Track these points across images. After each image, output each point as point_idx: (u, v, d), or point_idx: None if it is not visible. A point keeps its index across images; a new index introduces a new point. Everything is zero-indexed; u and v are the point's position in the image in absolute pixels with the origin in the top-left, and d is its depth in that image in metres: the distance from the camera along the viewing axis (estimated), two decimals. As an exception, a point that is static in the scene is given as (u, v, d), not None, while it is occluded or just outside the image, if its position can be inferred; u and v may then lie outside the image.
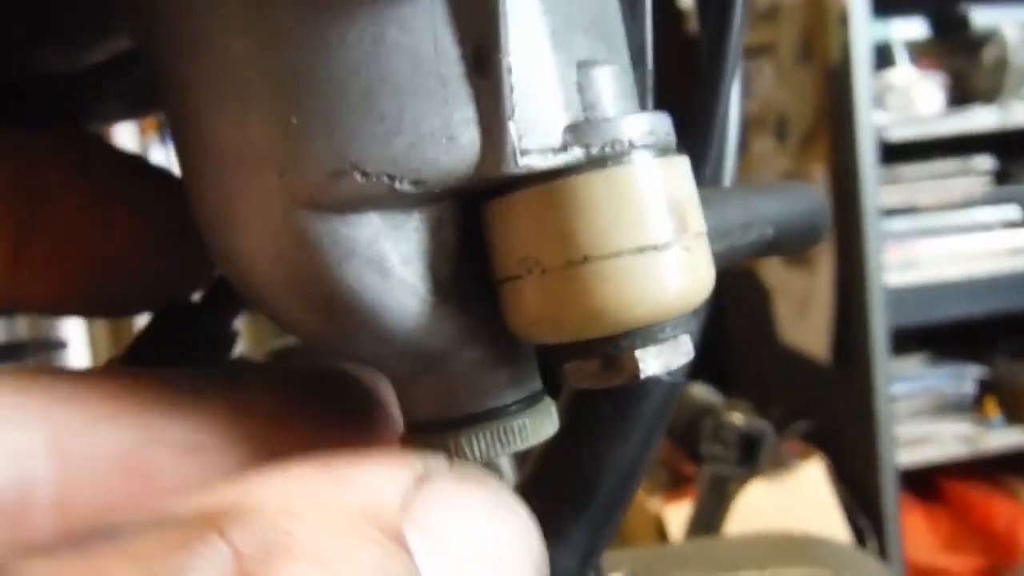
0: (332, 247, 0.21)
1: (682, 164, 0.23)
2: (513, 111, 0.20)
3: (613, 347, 0.22)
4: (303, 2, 0.20)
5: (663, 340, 0.23)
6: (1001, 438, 2.22)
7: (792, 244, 0.30)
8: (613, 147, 0.21)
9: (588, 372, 0.23)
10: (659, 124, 0.22)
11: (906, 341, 2.24)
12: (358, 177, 0.20)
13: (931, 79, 2.22)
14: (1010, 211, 2.17)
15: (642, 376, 0.22)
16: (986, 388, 2.29)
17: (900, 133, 2.15)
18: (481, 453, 0.25)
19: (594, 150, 0.21)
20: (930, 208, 2.21)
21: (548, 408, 0.26)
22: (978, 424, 2.26)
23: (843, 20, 1.99)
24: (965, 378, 2.29)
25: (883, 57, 2.23)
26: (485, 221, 0.23)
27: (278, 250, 0.22)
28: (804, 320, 2.38)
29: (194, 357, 0.35)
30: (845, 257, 2.15)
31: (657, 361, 0.22)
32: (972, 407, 2.30)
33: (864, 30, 2.00)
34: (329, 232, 0.21)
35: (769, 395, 2.33)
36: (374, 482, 0.18)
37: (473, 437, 0.25)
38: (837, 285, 2.22)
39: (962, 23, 2.21)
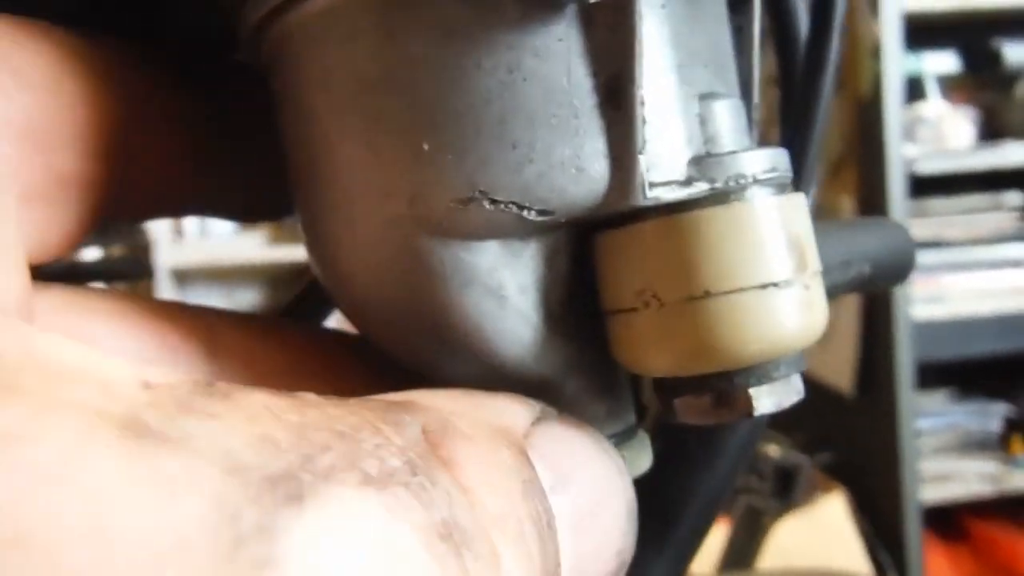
0: (454, 274, 0.21)
1: (800, 202, 0.22)
2: (644, 144, 0.20)
3: (727, 383, 0.22)
4: (439, 30, 0.20)
5: (776, 378, 0.22)
6: (1027, 477, 2.19)
7: (885, 281, 0.30)
8: (737, 182, 0.21)
9: (699, 408, 0.23)
10: (779, 160, 0.22)
11: (931, 376, 2.22)
12: (487, 205, 0.20)
13: (962, 113, 2.22)
14: (1040, 248, 2.15)
15: (755, 414, 0.22)
16: (1013, 426, 2.26)
17: (930, 166, 2.14)
18: (581, 484, 0.24)
19: (718, 185, 0.21)
20: (958, 243, 2.19)
21: (644, 442, 0.26)
22: (1004, 463, 2.23)
23: (875, 52, 1.99)
24: (991, 416, 2.26)
25: (914, 90, 2.22)
26: (597, 252, 0.23)
27: (399, 275, 0.22)
28: (828, 351, 2.36)
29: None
30: (872, 289, 2.13)
31: (770, 399, 0.22)
32: (998, 445, 2.27)
33: (896, 63, 1.99)
34: (452, 259, 0.21)
35: (790, 426, 2.31)
36: (504, 409, 0.21)
37: (573, 468, 0.24)
38: (863, 317, 2.21)
39: (994, 58, 2.21)
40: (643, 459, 0.26)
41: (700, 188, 0.21)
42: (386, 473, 0.15)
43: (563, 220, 0.21)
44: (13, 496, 0.11)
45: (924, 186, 2.14)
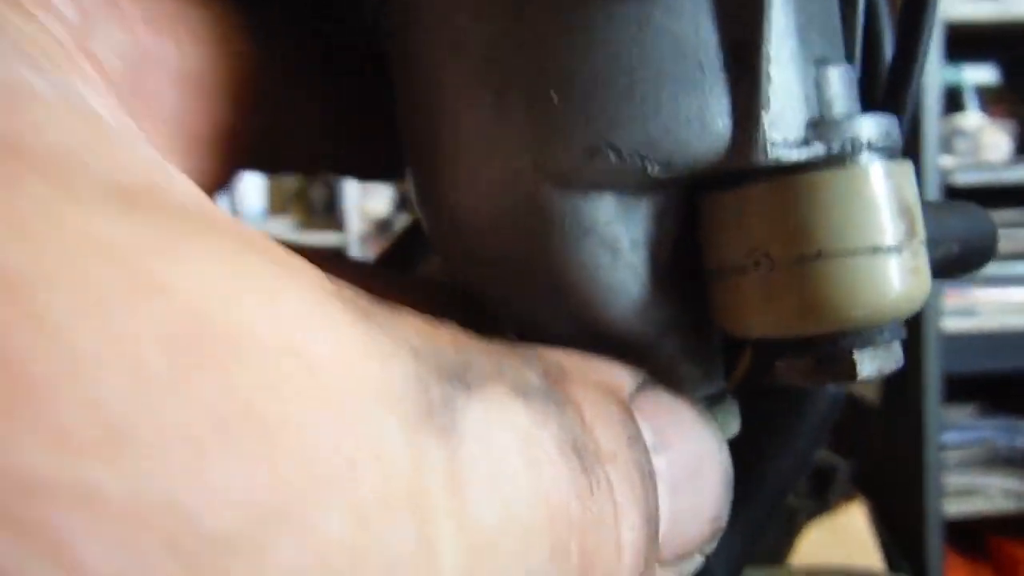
0: (573, 225, 0.22)
1: (909, 170, 0.23)
2: (768, 102, 0.21)
3: (831, 346, 0.23)
4: (571, -13, 0.20)
5: (879, 344, 0.23)
6: (1052, 496, 2.16)
7: (969, 263, 0.30)
8: (852, 146, 0.22)
9: (801, 369, 0.23)
10: (892, 127, 0.23)
11: (959, 389, 2.20)
12: (612, 157, 0.21)
13: (1000, 126, 2.19)
14: (1075, 265, 2.12)
15: (858, 378, 0.23)
16: (1040, 444, 2.24)
17: (966, 178, 2.12)
18: (673, 443, 0.25)
19: (834, 147, 0.22)
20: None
21: (734, 407, 0.27)
22: (1029, 480, 2.21)
23: (916, 61, 1.97)
24: (1018, 432, 2.24)
25: (952, 101, 2.20)
26: (706, 212, 0.23)
27: (518, 226, 0.22)
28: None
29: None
30: (902, 299, 2.12)
31: (872, 364, 0.23)
32: None
33: (934, 73, 1.98)
34: (572, 210, 0.22)
35: (814, 433, 2.29)
36: (612, 369, 0.22)
37: (667, 427, 0.25)
38: (892, 327, 2.19)
39: (1035, 72, 2.19)
40: (733, 423, 0.26)
41: (817, 150, 0.22)
42: (528, 389, 0.17)
43: (682, 175, 0.22)
44: (269, 342, 0.12)
45: (959, 198, 2.12)
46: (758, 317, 0.23)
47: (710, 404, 0.26)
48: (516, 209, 0.22)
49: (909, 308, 0.22)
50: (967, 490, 2.20)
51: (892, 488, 2.17)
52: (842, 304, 0.22)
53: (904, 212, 0.22)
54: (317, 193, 3.00)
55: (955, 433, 2.21)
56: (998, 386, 2.21)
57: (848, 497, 1.93)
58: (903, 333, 0.23)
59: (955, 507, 2.14)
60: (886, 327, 0.23)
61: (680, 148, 0.21)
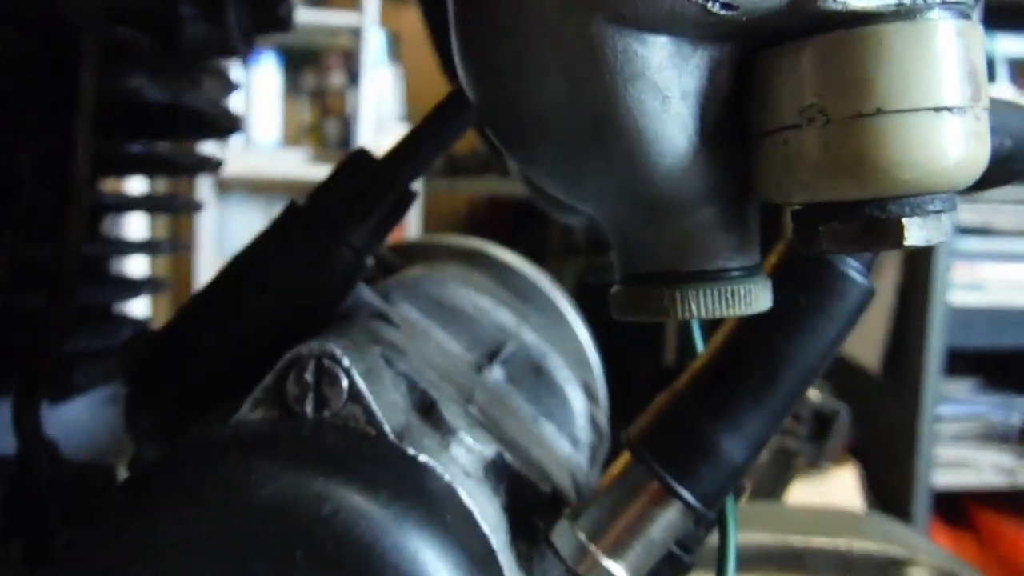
0: (625, 64, 0.21)
1: (979, 33, 0.22)
2: (842, -58, 0.20)
3: (880, 210, 0.22)
4: None
5: (930, 212, 0.22)
6: (1042, 475, 2.17)
7: (1018, 163, 0.29)
8: (925, 1, 0.21)
9: (847, 235, 0.23)
10: (965, -13, 0.22)
11: (960, 363, 2.20)
12: (674, -9, 0.20)
13: (1030, 100, 2.15)
14: (1090, 247, 2.10)
15: (905, 243, 0.22)
16: (1034, 411, 2.25)
17: (990, 151, 2.09)
18: (706, 309, 0.25)
19: (906, 0, 0.21)
20: (1005, 232, 2.15)
21: (766, 283, 0.26)
22: (1020, 457, 2.22)
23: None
24: (1014, 409, 2.24)
25: (983, 72, 2.16)
26: (761, 70, 0.23)
27: (568, 64, 0.22)
28: (859, 327, 2.33)
29: (373, 210, 0.35)
30: (911, 268, 2.11)
31: (921, 232, 0.22)
32: (1017, 440, 2.25)
33: (969, 41, 1.94)
34: (625, 48, 0.21)
35: (812, 397, 2.30)
36: None
37: (700, 292, 0.25)
38: (898, 295, 2.18)
39: (1072, 47, 2.14)
40: (764, 298, 0.26)
41: (887, 1, 0.21)
42: None
43: (744, 19, 0.21)
44: None
45: (981, 170, 2.09)
46: (809, 177, 0.22)
47: (745, 275, 0.25)
48: (569, 44, 0.21)
49: (966, 175, 0.22)
50: (958, 462, 2.21)
51: (885, 456, 2.18)
52: (898, 164, 0.21)
53: (971, 74, 0.21)
54: (331, 127, 2.97)
55: (952, 406, 2.21)
56: (999, 362, 2.21)
57: (847, 444, 1.94)
58: (955, 206, 0.23)
59: (944, 478, 2.15)
60: (938, 196, 0.22)
61: None
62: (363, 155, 0.36)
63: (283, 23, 0.43)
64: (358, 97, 2.73)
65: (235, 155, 2.82)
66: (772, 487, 0.99)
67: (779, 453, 1.01)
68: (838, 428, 0.99)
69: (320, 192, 0.35)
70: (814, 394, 1.01)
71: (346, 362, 0.28)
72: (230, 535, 0.25)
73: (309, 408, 0.28)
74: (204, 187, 2.74)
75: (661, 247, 0.25)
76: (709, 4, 0.20)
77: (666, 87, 0.22)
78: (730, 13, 0.20)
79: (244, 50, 0.44)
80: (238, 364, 0.34)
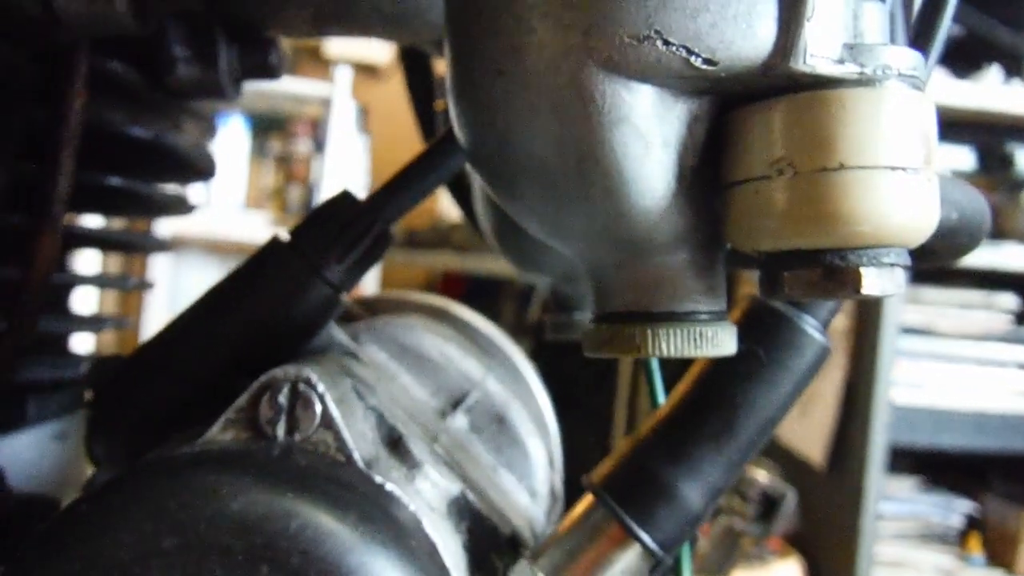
0: (612, 108, 0.23)
1: (931, 104, 0.24)
2: (812, 13, 0.22)
3: (840, 259, 0.24)
4: None
5: (885, 264, 0.24)
6: (980, 577, 2.20)
7: (963, 236, 0.31)
8: (883, 71, 0.23)
9: (808, 281, 0.24)
10: (919, 62, 0.24)
11: (901, 461, 2.23)
12: (659, 44, 0.22)
13: (969, 211, 2.26)
14: (1026, 353, 2.18)
15: (863, 291, 0.24)
16: (972, 524, 2.28)
17: (931, 256, 2.17)
18: (674, 348, 0.26)
19: (866, 70, 0.23)
20: (948, 335, 2.22)
21: (731, 328, 0.28)
22: (959, 559, 2.24)
23: (896, 137, 2.03)
24: (953, 510, 2.27)
25: (926, 181, 2.27)
26: (735, 124, 0.25)
27: (558, 105, 0.23)
28: (804, 422, 2.37)
29: (352, 249, 0.36)
30: (856, 365, 2.16)
31: (877, 282, 0.24)
32: (956, 541, 2.28)
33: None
34: (613, 94, 0.23)
35: (758, 487, 2.31)
36: None
37: (670, 332, 0.26)
38: (843, 392, 2.23)
39: (1007, 161, 2.27)
40: (729, 341, 0.27)
41: (850, 69, 0.23)
42: None
43: (722, 75, 0.23)
44: None
45: (923, 275, 2.18)
46: (777, 225, 0.24)
47: (712, 319, 0.27)
48: (560, 88, 0.23)
49: (918, 230, 0.24)
50: (898, 562, 2.22)
51: (828, 551, 2.19)
52: (857, 216, 0.23)
53: (923, 139, 0.23)
54: (295, 192, 2.99)
55: (894, 504, 2.24)
56: (940, 462, 2.25)
57: (791, 529, 1.94)
58: (908, 262, 0.24)
59: (886, 576, 2.16)
60: (893, 249, 0.24)
61: (725, 45, 0.22)
62: (347, 195, 0.37)
63: (273, 71, 0.45)
64: (323, 165, 2.76)
65: (195, 216, 2.80)
66: (719, 565, 0.99)
67: (726, 533, 1.01)
68: (785, 510, 1.00)
69: (302, 227, 0.36)
70: (762, 476, 1.03)
71: (321, 388, 0.29)
72: (193, 549, 0.25)
73: (280, 431, 0.29)
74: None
75: (635, 288, 0.26)
76: (692, 58, 0.22)
77: (648, 133, 0.23)
78: (710, 68, 0.22)
79: (232, 95, 0.45)
80: (205, 392, 0.34)
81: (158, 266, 2.51)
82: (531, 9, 0.23)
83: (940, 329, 2.31)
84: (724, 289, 0.28)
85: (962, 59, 2.17)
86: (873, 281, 0.24)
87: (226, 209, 2.85)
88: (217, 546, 0.25)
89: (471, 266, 2.91)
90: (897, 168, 0.23)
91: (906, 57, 0.24)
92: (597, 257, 0.27)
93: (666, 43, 0.22)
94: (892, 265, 0.24)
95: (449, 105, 0.27)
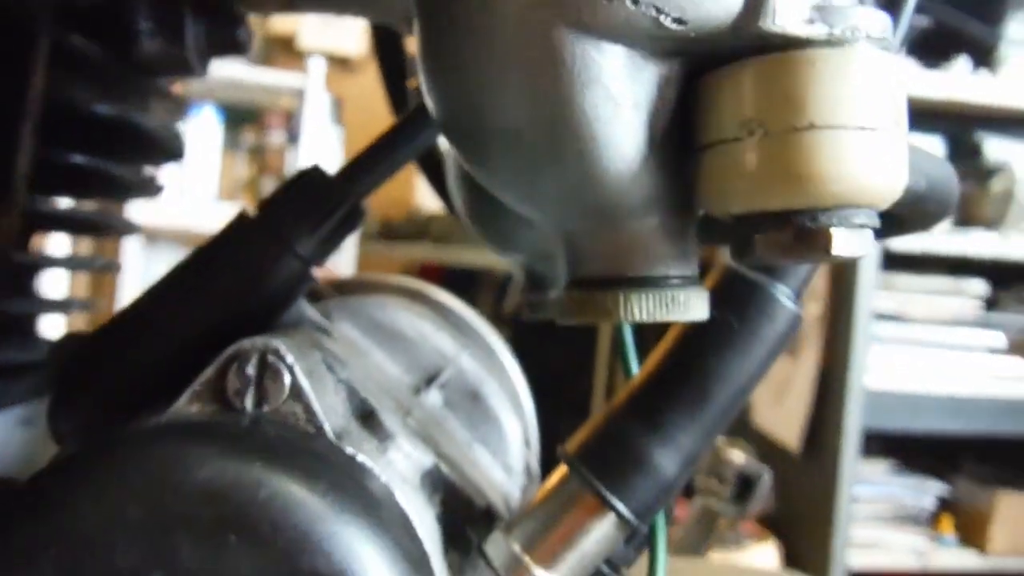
0: (582, 69, 0.23)
1: (899, 65, 0.24)
2: (780, -28, 0.22)
3: (811, 220, 0.24)
4: None
5: (855, 225, 0.24)
6: (952, 558, 2.23)
7: (932, 204, 0.32)
8: (852, 32, 0.23)
9: (780, 243, 0.24)
10: (888, 25, 0.24)
11: (876, 445, 2.26)
12: (628, 3, 0.22)
13: (939, 198, 2.29)
14: (996, 338, 2.22)
15: (832, 253, 0.24)
16: (944, 506, 2.31)
17: (903, 244, 2.20)
18: (647, 313, 0.26)
19: (836, 31, 0.23)
20: (920, 320, 2.25)
21: (704, 293, 0.28)
22: (932, 540, 2.27)
23: (869, 124, 2.05)
24: (926, 492, 2.31)
25: (898, 169, 2.29)
26: (706, 88, 0.25)
27: (528, 66, 0.23)
28: (780, 407, 2.40)
29: (323, 222, 0.36)
30: (830, 351, 2.18)
31: (847, 244, 0.24)
32: (928, 522, 2.32)
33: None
34: (583, 54, 0.23)
35: (734, 473, 2.32)
36: None
37: (642, 296, 0.26)
38: (818, 377, 2.25)
39: (975, 150, 2.30)
40: (701, 306, 0.27)
41: (819, 30, 0.23)
42: None
43: (692, 35, 0.23)
44: None
45: (894, 261, 2.20)
46: (748, 186, 0.24)
47: (684, 284, 0.27)
48: (530, 47, 0.23)
49: (887, 191, 0.24)
50: (872, 543, 2.25)
51: (803, 534, 2.21)
52: (827, 176, 0.23)
53: (892, 100, 0.23)
54: (268, 184, 2.96)
55: (867, 487, 2.27)
56: (912, 446, 2.28)
57: (766, 510, 1.96)
58: (877, 224, 0.25)
59: (859, 559, 2.19)
60: (862, 210, 0.24)
61: (694, 4, 0.22)
62: (316, 170, 0.36)
63: (241, 46, 0.44)
64: (297, 156, 2.74)
65: (168, 206, 2.78)
66: (696, 545, 1.00)
67: (703, 513, 1.02)
68: (760, 490, 1.01)
69: (271, 200, 0.35)
70: (738, 456, 1.04)
71: (290, 359, 0.28)
72: (159, 520, 0.24)
73: (249, 403, 0.28)
74: (131, 239, 2.68)
75: (607, 253, 0.26)
76: (661, 17, 0.22)
77: (619, 95, 0.23)
78: (680, 28, 0.22)
79: (200, 71, 0.45)
80: (172, 367, 0.33)
81: (129, 258, 2.48)
82: None
83: (912, 315, 2.34)
84: (696, 255, 0.28)
85: (931, 50, 2.19)
86: (843, 242, 0.24)
87: (199, 201, 2.82)
88: (184, 516, 0.24)
89: (448, 258, 2.90)
90: (866, 128, 0.23)
91: (875, 19, 0.23)
92: (570, 223, 0.27)
93: (635, 2, 0.22)
94: (862, 226, 0.24)
95: (419, 72, 0.27)
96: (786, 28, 0.23)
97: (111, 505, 0.25)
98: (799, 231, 0.24)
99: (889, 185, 0.24)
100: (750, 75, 0.23)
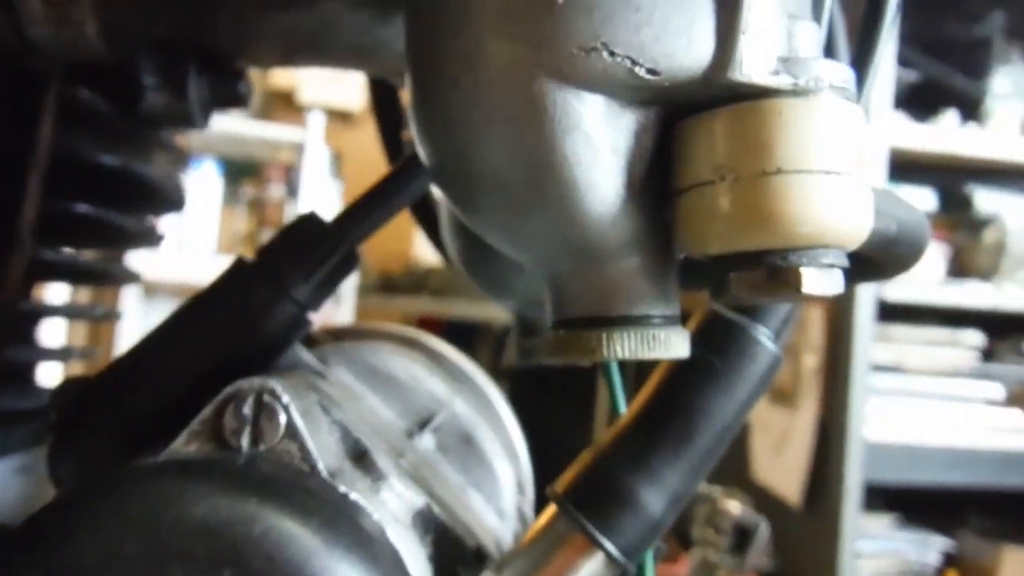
0: (563, 117, 0.24)
1: (862, 116, 0.26)
2: (747, 28, 0.24)
3: (782, 259, 0.25)
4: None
5: (824, 265, 0.25)
6: (958, 614, 2.19)
7: (904, 247, 0.33)
8: (816, 83, 0.25)
9: (753, 282, 0.25)
10: (850, 77, 0.26)
11: (877, 498, 2.24)
12: (605, 55, 0.23)
13: (934, 249, 2.31)
14: (994, 389, 2.22)
15: (803, 291, 0.25)
16: (950, 561, 2.28)
17: (898, 295, 2.22)
18: (629, 351, 0.27)
19: (800, 81, 0.24)
20: (917, 371, 2.25)
21: (685, 332, 0.29)
22: (937, 596, 2.24)
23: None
24: (930, 548, 2.28)
25: (891, 221, 2.32)
26: (681, 135, 0.26)
27: (511, 114, 0.24)
28: (779, 460, 2.38)
29: (318, 268, 0.37)
30: (829, 403, 2.18)
31: (817, 282, 0.25)
32: (933, 578, 2.28)
33: (877, 192, 2.08)
34: (564, 103, 0.24)
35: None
36: None
37: (624, 335, 0.27)
38: (818, 431, 2.24)
39: (966, 203, 2.33)
40: (682, 345, 0.28)
41: (784, 81, 0.24)
42: None
43: (666, 85, 0.24)
44: None
45: (892, 314, 2.21)
46: (720, 227, 0.25)
47: (665, 323, 0.28)
48: (513, 97, 0.24)
49: (853, 232, 0.25)
50: (878, 600, 2.21)
51: (806, 590, 2.18)
52: (795, 217, 0.24)
53: (855, 146, 0.25)
54: (268, 237, 2.99)
55: (871, 542, 2.24)
56: (915, 499, 2.26)
57: (768, 564, 1.92)
58: (846, 264, 0.26)
59: (865, 615, 2.15)
60: (831, 251, 0.25)
61: (667, 57, 0.24)
62: (312, 217, 0.38)
63: (241, 99, 0.46)
64: (296, 210, 2.77)
65: (167, 259, 2.80)
66: (695, 599, 0.99)
67: (701, 565, 1.01)
68: (758, 541, 1.01)
69: (268, 247, 0.37)
70: (735, 507, 1.03)
71: (285, 399, 0.29)
72: (156, 554, 0.25)
73: (245, 442, 0.29)
74: (131, 289, 2.69)
75: (590, 293, 0.27)
76: (636, 68, 0.24)
77: (598, 141, 0.25)
78: (654, 78, 0.24)
79: (202, 124, 0.46)
80: (171, 411, 0.34)
81: (129, 308, 2.49)
82: (485, 25, 0.24)
83: (909, 366, 2.34)
84: (677, 296, 0.29)
85: (920, 104, 2.24)
86: (813, 280, 0.25)
87: (198, 253, 2.84)
88: (180, 551, 0.25)
89: (447, 311, 2.92)
90: (831, 172, 0.24)
91: (837, 70, 0.25)
92: (555, 265, 0.28)
93: (612, 54, 0.23)
94: (831, 266, 0.25)
95: (410, 122, 0.28)
96: (753, 79, 0.24)
97: (108, 541, 0.25)
98: (771, 270, 0.25)
99: (855, 226, 0.25)
100: (721, 123, 0.25)
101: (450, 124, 0.26)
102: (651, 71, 0.24)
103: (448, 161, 0.27)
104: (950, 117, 2.18)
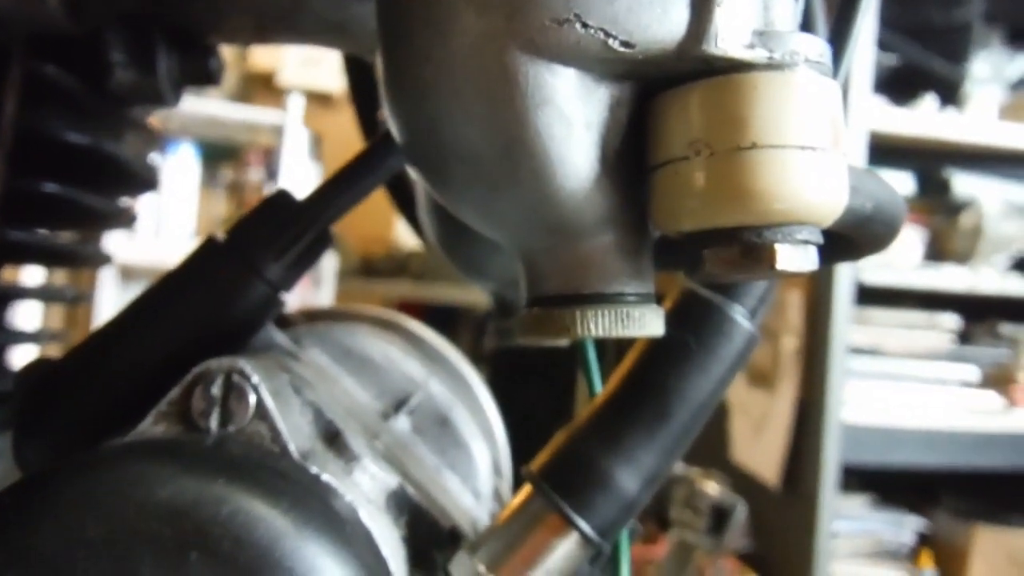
0: (535, 90, 0.24)
1: (838, 91, 0.25)
2: (722, 0, 0.23)
3: (756, 236, 0.24)
4: None
5: (799, 241, 0.25)
6: (932, 592, 2.23)
7: (879, 226, 0.32)
8: (791, 57, 0.24)
9: (727, 259, 0.25)
10: (826, 51, 0.25)
11: (853, 479, 2.27)
12: (578, 27, 0.23)
13: (912, 232, 2.33)
14: (969, 371, 2.24)
15: (777, 268, 0.25)
16: (924, 541, 2.32)
17: (876, 278, 2.23)
18: (603, 329, 0.26)
19: (775, 56, 0.24)
20: (894, 354, 2.27)
21: (659, 310, 0.28)
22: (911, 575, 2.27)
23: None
24: (905, 527, 2.31)
25: (869, 205, 2.33)
26: (656, 110, 0.26)
27: (483, 88, 0.24)
28: (758, 441, 2.40)
29: (290, 247, 0.36)
30: (807, 385, 2.19)
31: (791, 259, 0.25)
32: (908, 557, 2.31)
33: (856, 175, 2.09)
34: (536, 76, 0.24)
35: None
36: None
37: (598, 313, 0.26)
38: (796, 412, 2.26)
39: (944, 186, 2.34)
40: (656, 323, 0.28)
41: (760, 54, 0.24)
42: None
43: (640, 58, 0.24)
44: None
45: (871, 297, 2.23)
46: (694, 203, 0.25)
47: (640, 301, 0.27)
48: (485, 70, 0.24)
49: (828, 208, 0.25)
50: (854, 579, 2.24)
51: (784, 571, 2.20)
52: (770, 193, 0.24)
53: (830, 122, 0.25)
54: (248, 221, 2.97)
55: (847, 522, 2.27)
56: (891, 480, 2.29)
57: (745, 543, 1.94)
58: (820, 240, 0.25)
59: (842, 594, 2.18)
60: (805, 227, 0.25)
61: (641, 29, 0.23)
62: (284, 195, 0.37)
63: (212, 77, 0.45)
64: (277, 193, 2.74)
65: (144, 242, 2.77)
66: (672, 579, 1.00)
67: (679, 546, 1.02)
68: (735, 522, 1.01)
69: (239, 226, 0.36)
70: (712, 488, 1.04)
71: (255, 379, 0.29)
72: (121, 538, 0.24)
73: (214, 423, 0.28)
74: (108, 273, 2.66)
75: (564, 271, 0.27)
76: (610, 40, 0.23)
77: (571, 115, 0.24)
78: (628, 51, 0.23)
79: (172, 102, 0.46)
80: (140, 392, 0.33)
81: (106, 295, 2.46)
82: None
83: (887, 349, 2.36)
84: (651, 273, 0.28)
85: (900, 88, 2.25)
86: (787, 257, 0.24)
87: (176, 237, 2.81)
88: (146, 534, 0.24)
89: (428, 294, 2.91)
90: (807, 148, 0.24)
91: (813, 44, 0.25)
92: (528, 242, 0.27)
93: (585, 26, 0.23)
94: (805, 242, 0.25)
95: (382, 97, 0.28)
96: (728, 52, 0.24)
97: (71, 524, 0.25)
98: (745, 247, 0.25)
99: (830, 202, 0.25)
100: (696, 97, 0.24)
101: (421, 98, 0.25)
102: (625, 43, 0.23)
103: (419, 136, 0.26)
104: (929, 101, 2.19)
